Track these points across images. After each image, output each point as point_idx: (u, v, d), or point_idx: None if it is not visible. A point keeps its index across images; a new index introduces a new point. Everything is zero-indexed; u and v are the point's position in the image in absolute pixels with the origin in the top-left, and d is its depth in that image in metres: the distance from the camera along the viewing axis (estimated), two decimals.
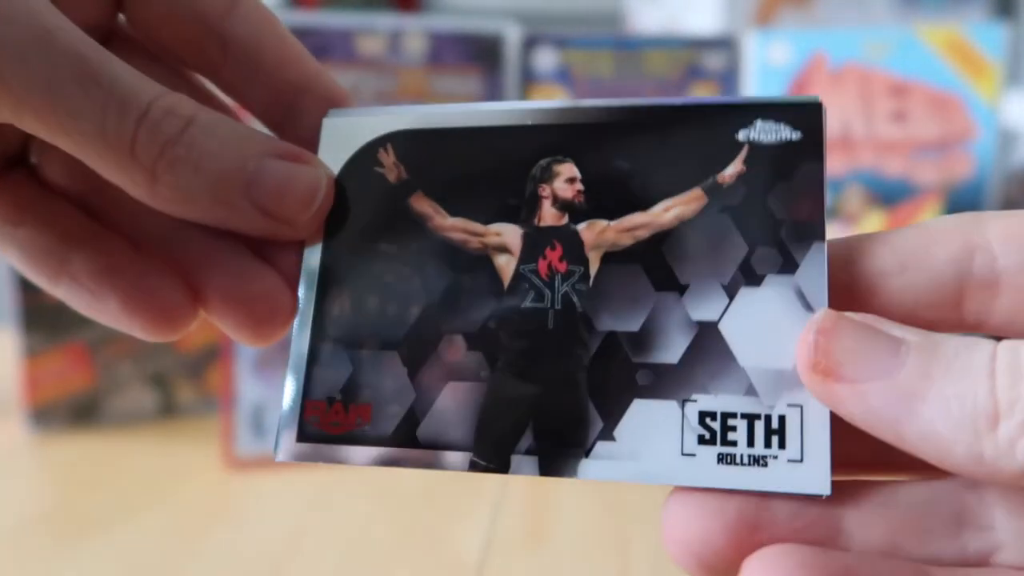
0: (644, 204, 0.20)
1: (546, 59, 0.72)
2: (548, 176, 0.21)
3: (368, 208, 0.22)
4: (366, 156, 0.22)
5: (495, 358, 0.20)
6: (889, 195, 0.70)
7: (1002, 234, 0.18)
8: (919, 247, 0.18)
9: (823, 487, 0.18)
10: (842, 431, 0.18)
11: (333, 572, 0.42)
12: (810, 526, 0.18)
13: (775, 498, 0.18)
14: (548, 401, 0.20)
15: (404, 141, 0.22)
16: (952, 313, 0.18)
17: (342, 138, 0.22)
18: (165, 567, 0.42)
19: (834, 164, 0.72)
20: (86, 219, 0.23)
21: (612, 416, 0.19)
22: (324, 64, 0.24)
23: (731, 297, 0.19)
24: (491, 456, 0.20)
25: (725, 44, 0.74)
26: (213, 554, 0.43)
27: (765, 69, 0.73)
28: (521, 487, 0.50)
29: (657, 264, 0.20)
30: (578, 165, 0.21)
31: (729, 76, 0.74)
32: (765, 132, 0.20)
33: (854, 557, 0.17)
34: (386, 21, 0.68)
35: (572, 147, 0.21)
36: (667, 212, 0.20)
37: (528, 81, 0.73)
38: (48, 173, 0.23)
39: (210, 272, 0.22)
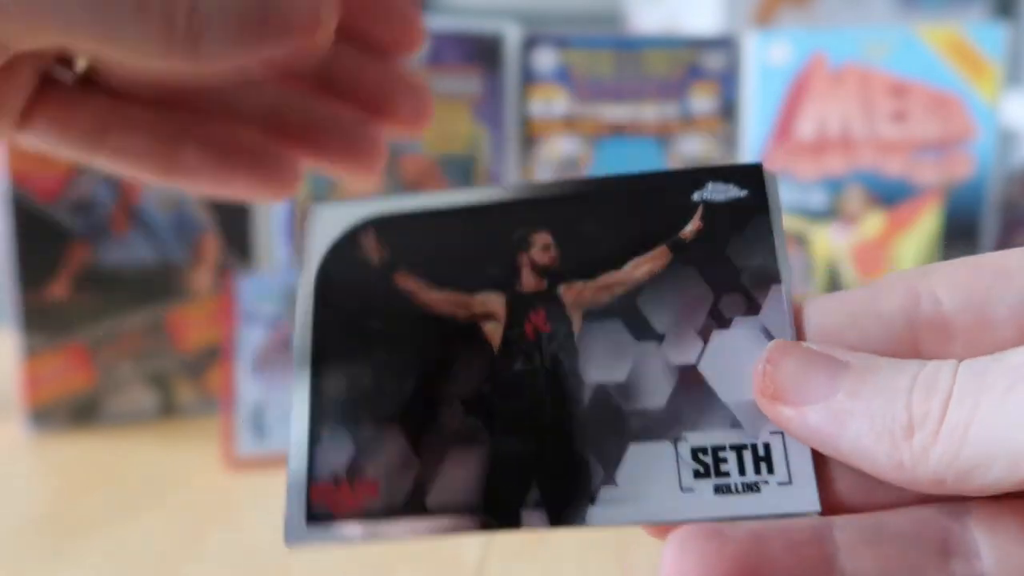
0: (616, 264, 0.22)
1: (546, 59, 0.73)
2: (525, 245, 0.22)
3: (355, 290, 0.23)
4: (349, 241, 0.23)
5: (493, 420, 0.21)
6: (889, 195, 0.70)
7: (945, 280, 0.19)
8: (867, 300, 0.19)
9: (813, 504, 0.19)
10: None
11: (333, 572, 0.42)
12: (804, 561, 0.18)
13: (770, 538, 0.18)
14: (549, 456, 0.21)
15: (384, 224, 0.23)
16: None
17: (327, 226, 0.24)
18: (165, 567, 0.42)
19: (834, 164, 0.72)
20: (168, 116, 0.27)
21: (611, 462, 0.20)
22: None
23: (705, 341, 0.21)
24: (502, 515, 0.20)
25: (725, 44, 0.74)
26: (213, 554, 0.43)
27: (765, 69, 0.73)
28: None
29: (635, 317, 0.21)
30: (551, 233, 0.22)
31: (729, 76, 0.74)
32: (716, 192, 0.22)
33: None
34: None
35: (544, 218, 0.23)
36: (638, 269, 0.22)
37: (528, 81, 0.73)
38: (118, 86, 0.27)
39: (323, 132, 0.29)
